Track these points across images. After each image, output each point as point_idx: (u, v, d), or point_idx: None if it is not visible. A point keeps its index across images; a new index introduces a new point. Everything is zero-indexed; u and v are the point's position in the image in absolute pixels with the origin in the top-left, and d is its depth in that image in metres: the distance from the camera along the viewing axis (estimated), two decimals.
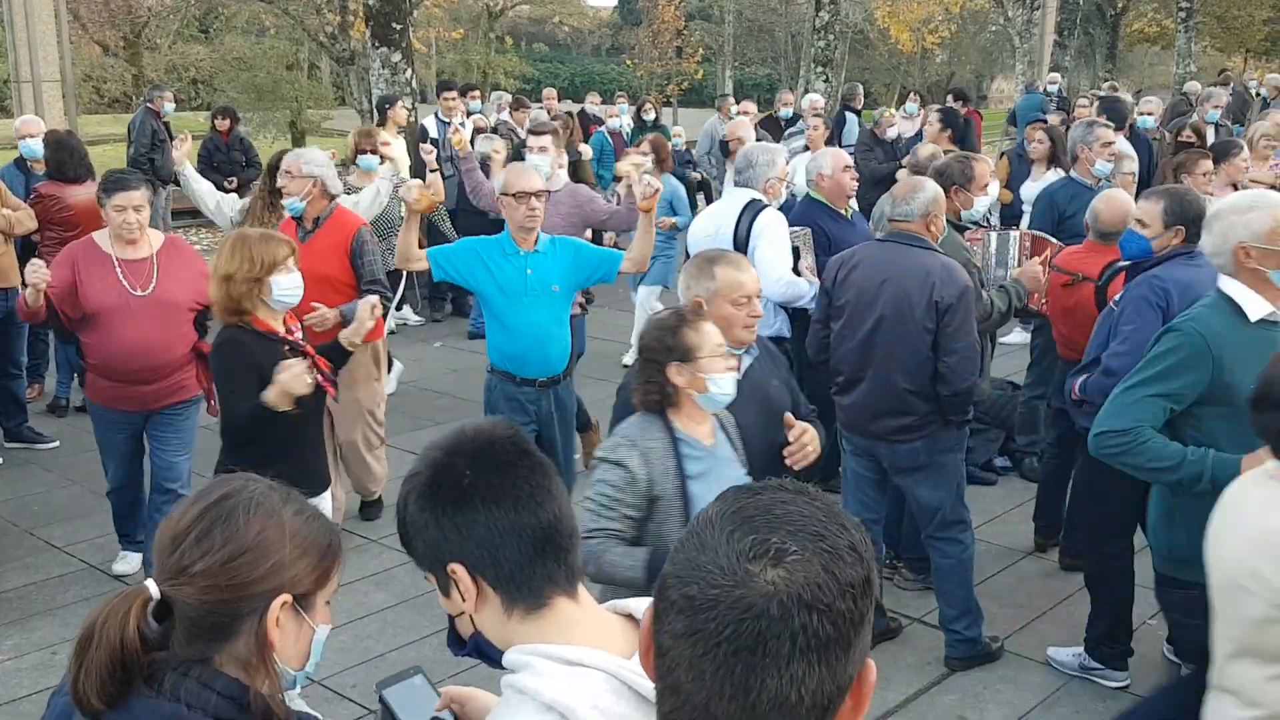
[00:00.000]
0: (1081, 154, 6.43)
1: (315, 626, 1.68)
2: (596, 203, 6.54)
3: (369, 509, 5.96)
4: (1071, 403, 4.43)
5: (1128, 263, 4.50)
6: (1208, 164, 6.28)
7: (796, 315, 5.54)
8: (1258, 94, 16.04)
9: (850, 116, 13.07)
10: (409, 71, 12.92)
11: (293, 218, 5.54)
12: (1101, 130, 6.45)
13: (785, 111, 12.37)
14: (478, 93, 12.18)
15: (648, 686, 1.39)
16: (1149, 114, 8.95)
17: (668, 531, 3.04)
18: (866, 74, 33.70)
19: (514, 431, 1.62)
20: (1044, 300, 5.37)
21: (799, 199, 6.31)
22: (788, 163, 9.03)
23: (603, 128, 12.67)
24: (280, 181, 5.52)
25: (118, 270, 4.86)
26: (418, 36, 25.49)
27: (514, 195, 4.80)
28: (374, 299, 4.08)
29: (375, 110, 10.93)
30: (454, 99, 10.30)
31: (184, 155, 6.36)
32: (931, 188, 4.49)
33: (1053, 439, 5.62)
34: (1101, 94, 14.34)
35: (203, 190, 6.32)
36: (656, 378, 3.08)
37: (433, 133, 10.00)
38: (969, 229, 5.64)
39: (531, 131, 6.93)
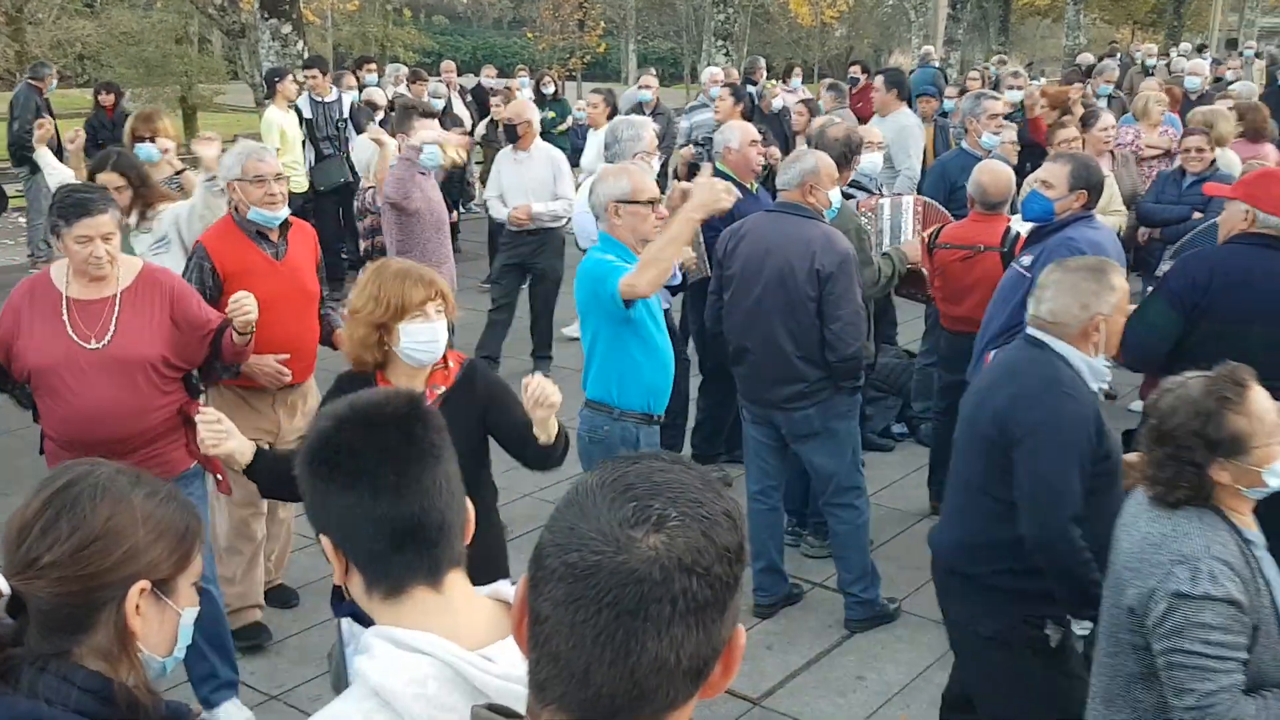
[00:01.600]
0: (970, 126, 6.55)
1: (180, 610, 1.64)
2: None
3: None
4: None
5: (1030, 226, 4.60)
6: (1069, 132, 6.46)
7: (682, 284, 5.50)
8: (1142, 64, 16.49)
9: (752, 90, 13.13)
10: (301, 44, 12.65)
11: (259, 230, 4.39)
12: (989, 103, 6.58)
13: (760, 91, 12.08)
14: (373, 65, 11.93)
15: (485, 680, 1.41)
16: (1017, 87, 9.17)
17: (1265, 664, 2.41)
18: (768, 48, 33.82)
19: (409, 410, 1.58)
20: (934, 283, 5.45)
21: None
22: (690, 138, 9.09)
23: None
24: (256, 190, 4.31)
25: (64, 315, 3.66)
26: (311, 8, 24.90)
27: (643, 203, 3.99)
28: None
29: (265, 83, 10.67)
30: (318, 77, 9.96)
31: (42, 139, 5.77)
32: (811, 158, 4.55)
33: (942, 406, 5.74)
34: (991, 67, 14.64)
35: (64, 179, 5.46)
36: (1190, 477, 2.44)
37: (306, 113, 9.77)
38: (857, 197, 5.73)
39: (422, 113, 6.07)
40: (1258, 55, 19.06)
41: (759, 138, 6.02)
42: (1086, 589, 2.90)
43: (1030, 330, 3.13)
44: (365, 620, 1.57)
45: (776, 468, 4.81)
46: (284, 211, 4.41)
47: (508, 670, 1.43)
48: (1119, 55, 18.18)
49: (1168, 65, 15.68)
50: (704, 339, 5.83)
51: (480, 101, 13.42)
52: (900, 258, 5.22)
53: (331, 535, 1.54)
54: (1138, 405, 6.65)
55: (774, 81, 12.13)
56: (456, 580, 1.56)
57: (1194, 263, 3.84)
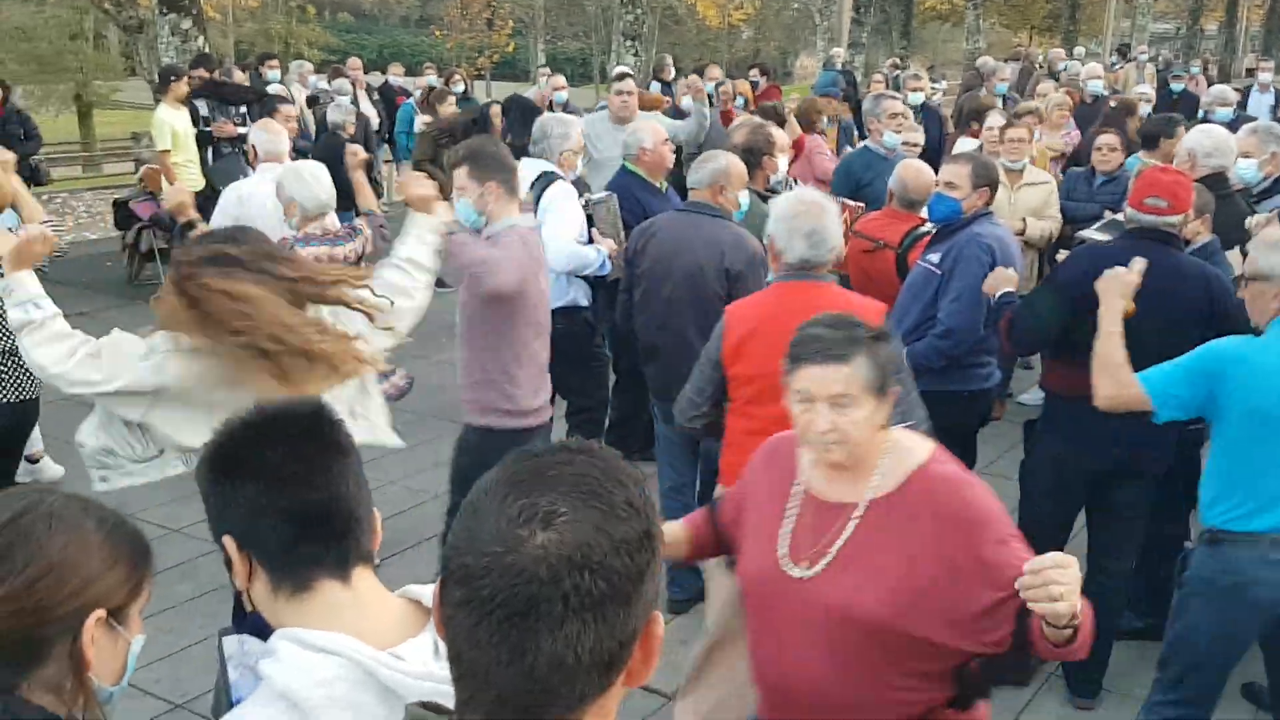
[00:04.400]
0: (872, 125, 6.69)
1: (130, 639, 1.59)
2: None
3: None
4: None
5: (932, 228, 4.72)
6: (1019, 132, 6.63)
7: (598, 284, 5.53)
8: (1049, 68, 16.98)
9: (657, 87, 13.26)
10: (201, 39, 12.40)
11: None
12: (888, 103, 6.72)
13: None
14: (275, 62, 11.75)
15: (397, 679, 1.40)
16: (917, 89, 9.37)
17: None
18: (676, 49, 34.01)
19: (319, 408, 1.58)
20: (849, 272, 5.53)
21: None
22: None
23: (410, 99, 12.47)
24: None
25: (791, 510, 2.40)
26: (211, 4, 24.37)
27: None
28: None
29: (158, 80, 10.44)
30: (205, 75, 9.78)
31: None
32: (723, 159, 4.60)
33: None
34: (891, 71, 14.94)
35: None
36: None
37: (203, 110, 9.57)
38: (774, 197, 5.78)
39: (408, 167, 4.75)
40: (1150, 60, 19.79)
41: (668, 136, 6.07)
42: None
43: None
44: (267, 636, 1.53)
45: (689, 465, 4.84)
46: None
47: (419, 669, 1.41)
48: (1020, 60, 18.66)
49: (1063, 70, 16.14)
50: (612, 334, 5.85)
51: (387, 100, 13.29)
52: None
53: (235, 534, 1.51)
54: (1026, 397, 6.88)
55: (685, 81, 12.21)
56: (365, 576, 1.54)
57: (1081, 256, 3.97)
